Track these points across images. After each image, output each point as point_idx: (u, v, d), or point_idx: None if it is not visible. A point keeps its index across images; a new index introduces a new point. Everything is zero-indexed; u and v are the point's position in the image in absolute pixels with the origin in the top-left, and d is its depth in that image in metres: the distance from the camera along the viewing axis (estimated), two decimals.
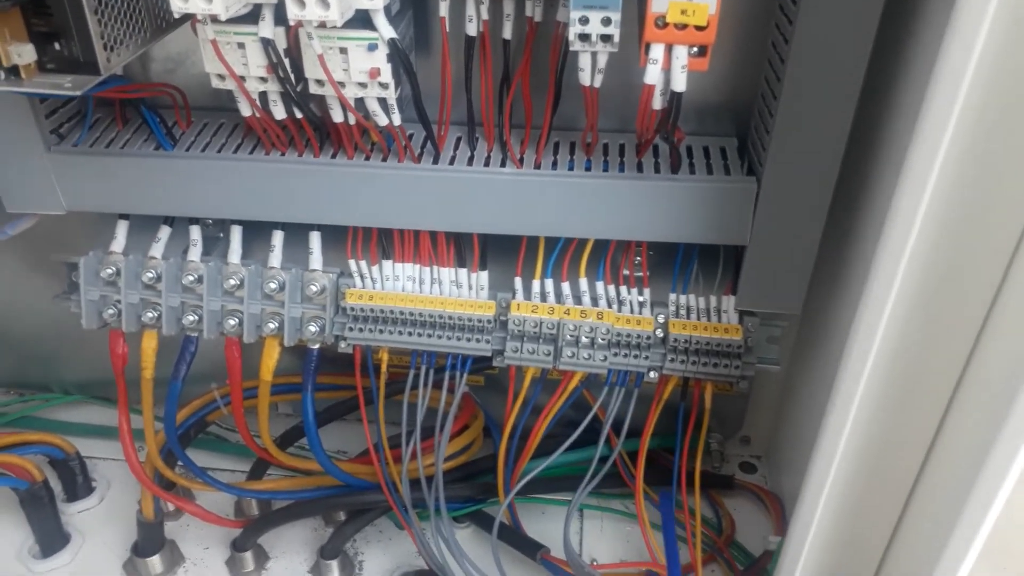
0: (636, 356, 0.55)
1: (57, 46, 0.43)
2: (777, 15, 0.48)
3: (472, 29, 0.47)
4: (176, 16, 0.41)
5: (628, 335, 0.54)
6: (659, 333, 0.54)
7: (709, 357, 0.54)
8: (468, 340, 0.56)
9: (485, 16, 0.47)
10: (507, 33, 0.48)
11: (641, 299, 0.55)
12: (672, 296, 0.55)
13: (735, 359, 0.54)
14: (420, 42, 0.52)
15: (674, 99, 0.42)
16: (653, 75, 0.41)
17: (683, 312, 0.55)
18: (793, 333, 0.63)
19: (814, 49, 0.43)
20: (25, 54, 0.42)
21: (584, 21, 0.41)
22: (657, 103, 0.43)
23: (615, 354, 0.55)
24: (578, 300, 0.55)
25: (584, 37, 0.41)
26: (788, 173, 0.47)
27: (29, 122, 0.51)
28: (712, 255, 0.54)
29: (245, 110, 0.49)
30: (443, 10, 0.47)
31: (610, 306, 0.55)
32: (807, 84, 0.44)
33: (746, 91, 0.52)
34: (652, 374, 0.55)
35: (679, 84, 0.41)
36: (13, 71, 0.42)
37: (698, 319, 0.55)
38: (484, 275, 0.56)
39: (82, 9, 0.41)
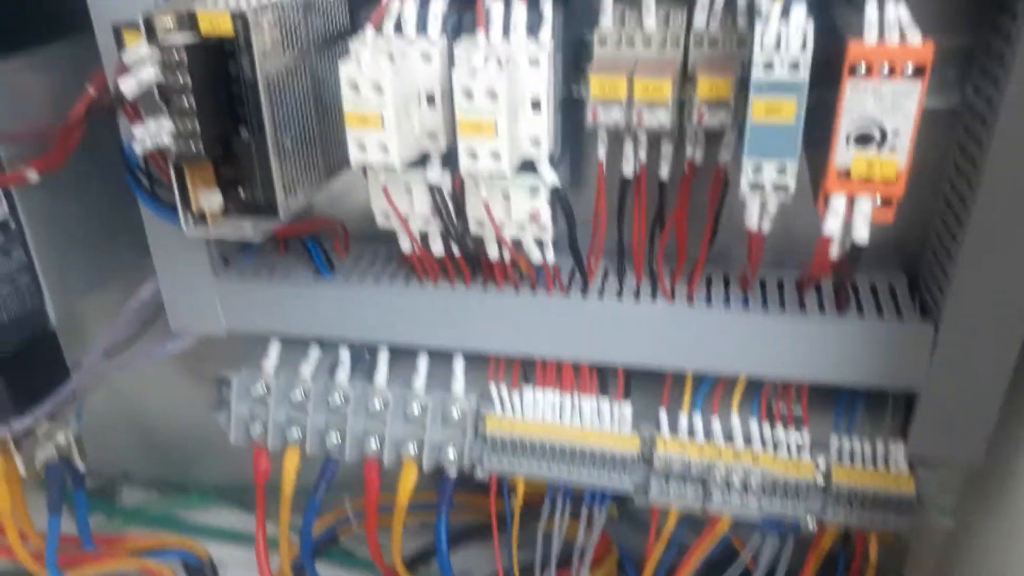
0: (793, 503, 0.51)
1: (240, 191, 0.46)
2: (955, 154, 0.45)
3: (629, 171, 0.47)
4: (354, 167, 0.43)
5: (786, 481, 0.51)
6: (819, 481, 0.50)
7: (876, 508, 0.50)
8: (609, 475, 0.54)
9: (643, 158, 0.47)
10: (664, 174, 0.48)
11: (799, 440, 0.51)
12: (834, 439, 0.51)
13: (905, 510, 0.50)
14: (574, 178, 0.52)
15: (854, 251, 0.39)
16: (832, 226, 0.39)
17: (845, 457, 0.51)
18: (963, 479, 0.57)
19: (1003, 196, 0.41)
20: (214, 201, 0.45)
21: (757, 169, 0.40)
22: (834, 253, 0.41)
23: (770, 500, 0.51)
24: (729, 438, 0.52)
25: (756, 186, 0.40)
26: (971, 318, 0.44)
27: (201, 250, 0.55)
28: (879, 395, 0.51)
29: (405, 245, 0.50)
30: (601, 154, 0.47)
31: (764, 446, 0.52)
32: (994, 229, 0.41)
33: (917, 227, 0.49)
34: (811, 522, 0.51)
35: (861, 236, 0.39)
36: (201, 217, 0.45)
37: (862, 465, 0.50)
38: (627, 405, 0.54)
39: (268, 157, 0.44)
